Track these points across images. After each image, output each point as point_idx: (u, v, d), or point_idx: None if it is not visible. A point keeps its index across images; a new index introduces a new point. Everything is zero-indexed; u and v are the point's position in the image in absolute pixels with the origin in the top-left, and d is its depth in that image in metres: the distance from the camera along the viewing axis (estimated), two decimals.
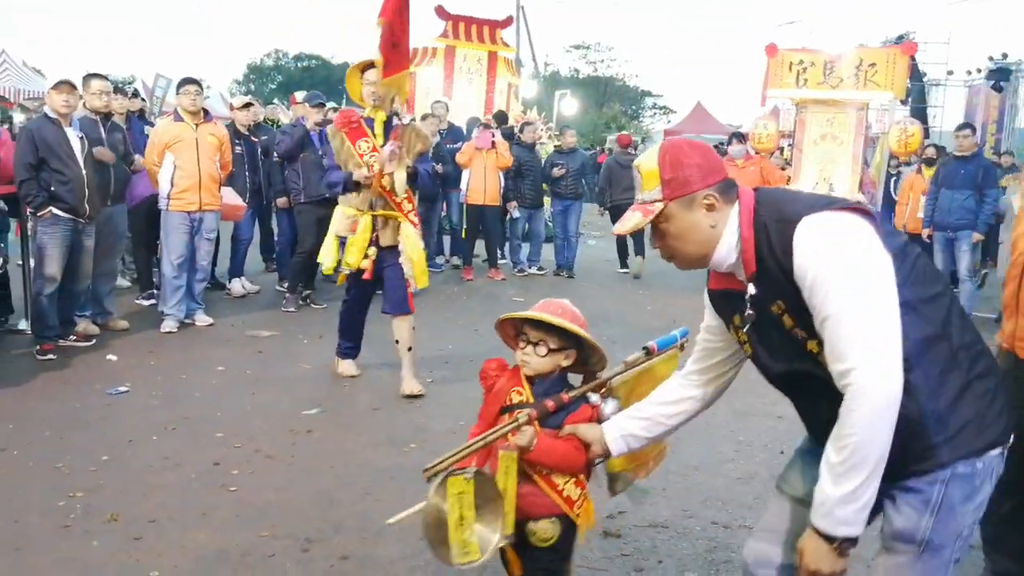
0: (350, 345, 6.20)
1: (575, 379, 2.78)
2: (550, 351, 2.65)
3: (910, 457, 2.00)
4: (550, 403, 2.58)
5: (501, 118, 13.20)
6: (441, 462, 2.42)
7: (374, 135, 5.67)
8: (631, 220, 2.18)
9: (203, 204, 7.43)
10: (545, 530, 2.63)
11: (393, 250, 5.72)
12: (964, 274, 9.22)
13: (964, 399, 2.01)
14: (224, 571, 3.43)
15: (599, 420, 2.64)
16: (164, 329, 7.26)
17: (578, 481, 2.66)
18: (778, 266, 2.03)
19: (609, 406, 2.67)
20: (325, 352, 6.76)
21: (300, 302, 8.50)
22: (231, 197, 8.08)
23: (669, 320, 8.95)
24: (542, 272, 11.55)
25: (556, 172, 11.32)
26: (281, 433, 5.02)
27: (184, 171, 7.29)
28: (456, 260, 11.76)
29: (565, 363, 2.70)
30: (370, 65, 5.60)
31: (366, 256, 5.67)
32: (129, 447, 4.72)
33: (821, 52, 10.12)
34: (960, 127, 10.08)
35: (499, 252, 11.55)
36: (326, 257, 5.90)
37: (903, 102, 19.67)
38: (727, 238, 2.13)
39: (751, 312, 2.16)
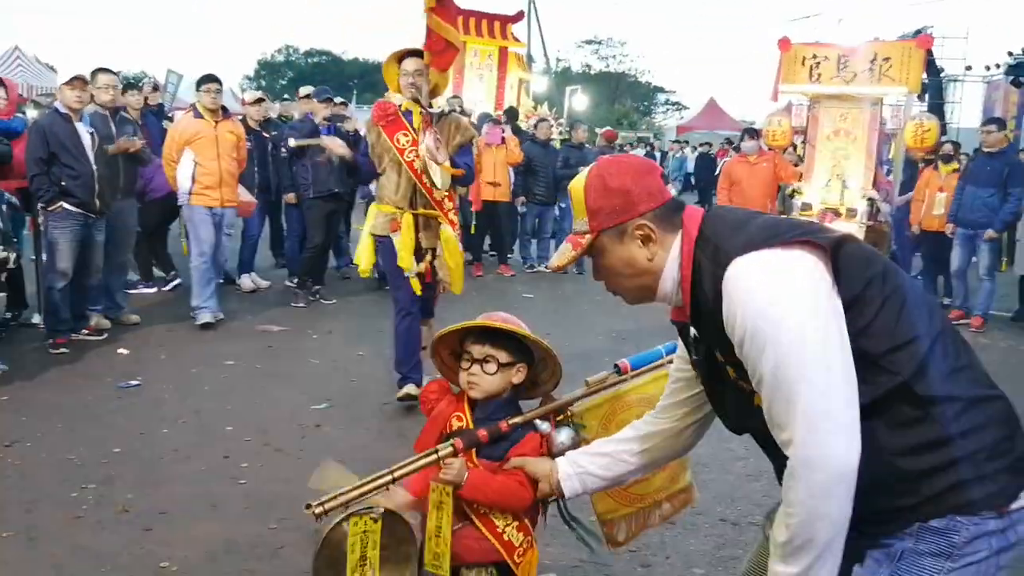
0: (414, 365, 5.46)
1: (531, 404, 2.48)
2: (500, 367, 2.33)
3: (879, 516, 1.72)
4: (483, 432, 2.26)
5: (512, 114, 13.20)
6: (334, 497, 2.12)
7: (413, 129, 5.16)
8: (564, 254, 1.97)
9: (224, 200, 7.46)
10: None
11: (431, 253, 5.27)
12: (984, 273, 9.07)
13: (939, 458, 1.67)
14: (233, 562, 3.46)
15: (550, 452, 2.30)
16: (200, 321, 7.24)
17: (522, 525, 2.33)
18: (711, 313, 1.76)
19: (562, 435, 2.31)
20: (334, 347, 6.79)
21: (310, 297, 8.53)
22: (242, 193, 8.11)
23: None
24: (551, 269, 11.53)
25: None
26: (290, 427, 5.05)
27: (205, 168, 7.29)
28: (467, 256, 11.77)
29: (516, 380, 2.39)
30: (408, 54, 5.17)
31: (421, 259, 5.23)
32: (140, 439, 4.76)
33: (835, 46, 9.96)
34: (986, 122, 10.05)
35: (510, 249, 11.57)
36: (363, 258, 5.50)
37: (920, 97, 19.58)
38: (669, 271, 1.86)
39: (696, 357, 1.95)
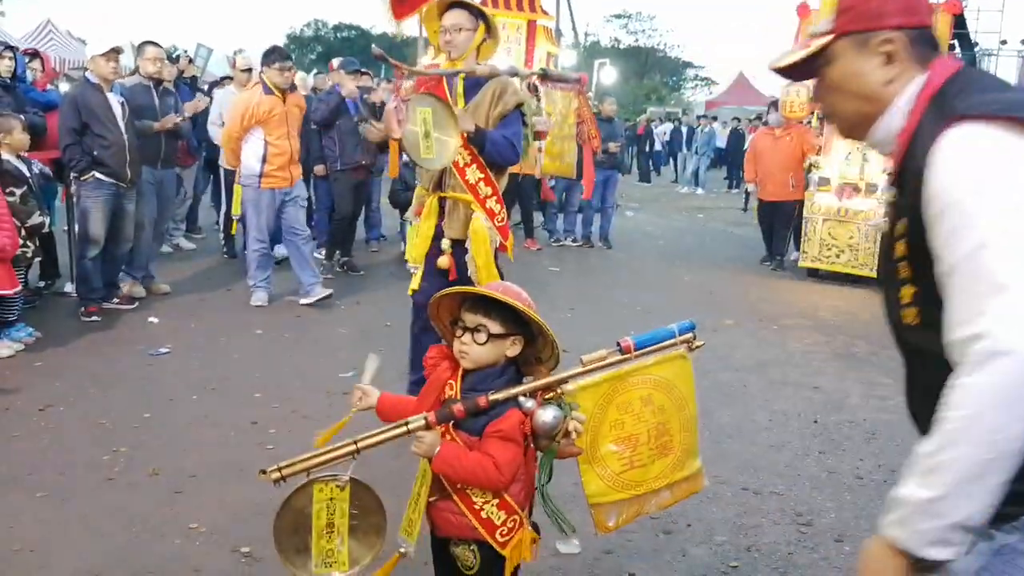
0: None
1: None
2: (491, 337, 2.21)
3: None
4: (459, 407, 2.16)
5: (533, 91, 13.14)
6: (294, 463, 2.09)
7: (453, 97, 4.37)
8: (792, 53, 1.71)
9: (293, 179, 7.20)
10: (464, 556, 2.27)
11: (460, 245, 4.43)
12: None
13: None
14: (260, 524, 3.50)
15: (533, 430, 2.18)
16: (255, 303, 7.12)
17: (503, 503, 2.21)
18: (916, 176, 1.49)
19: (546, 414, 2.15)
20: (362, 317, 6.85)
21: (338, 268, 8.59)
22: None
23: (706, 293, 8.94)
24: (576, 243, 11.54)
25: (612, 147, 11.09)
26: (317, 394, 5.10)
27: (277, 148, 6.96)
28: None
29: (511, 352, 2.25)
30: (450, 5, 4.38)
31: (442, 252, 4.46)
32: (170, 405, 4.84)
33: None
34: None
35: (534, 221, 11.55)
36: (409, 250, 4.79)
37: None
38: (897, 109, 1.60)
39: (883, 219, 1.68)
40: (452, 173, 4.33)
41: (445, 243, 4.42)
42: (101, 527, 3.42)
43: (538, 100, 5.65)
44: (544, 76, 5.18)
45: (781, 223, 10.43)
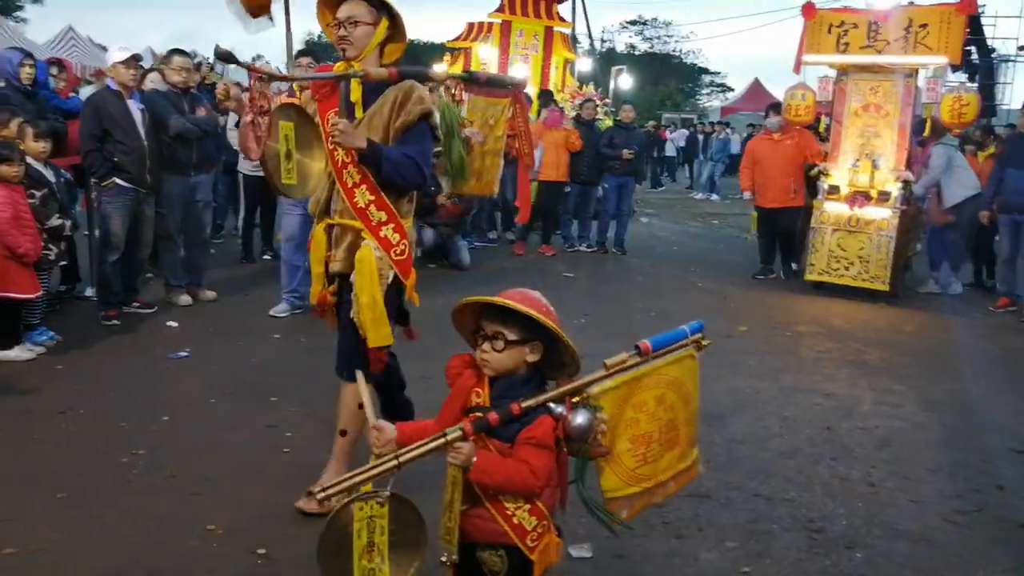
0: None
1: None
2: (508, 344, 2.27)
3: None
4: (494, 416, 2.20)
5: (547, 97, 13.24)
6: (337, 483, 2.14)
7: (348, 106, 3.56)
8: None
9: None
10: (491, 562, 2.32)
11: (342, 282, 3.71)
12: None
13: None
14: (277, 526, 3.57)
15: (566, 435, 2.22)
16: (277, 313, 7.08)
17: (534, 508, 2.27)
18: None
19: (579, 417, 2.20)
20: None
21: None
22: None
23: (719, 299, 8.96)
24: (591, 250, 11.56)
25: (626, 154, 11.02)
26: (333, 398, 5.14)
27: None
28: (510, 235, 11.82)
29: (531, 358, 2.31)
30: None
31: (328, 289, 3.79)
32: (188, 408, 4.90)
33: (865, 11, 9.05)
34: None
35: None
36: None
37: (971, 78, 19.11)
38: None
39: None
40: (340, 196, 3.61)
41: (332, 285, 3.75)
42: (119, 528, 3.48)
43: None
44: (470, 80, 4.35)
45: (784, 231, 10.10)
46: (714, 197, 22.01)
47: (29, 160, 5.85)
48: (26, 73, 6.91)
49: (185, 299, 7.15)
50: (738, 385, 5.85)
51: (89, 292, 7.14)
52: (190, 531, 3.50)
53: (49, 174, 6.10)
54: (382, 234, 3.56)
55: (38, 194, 5.84)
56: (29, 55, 7.19)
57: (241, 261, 9.08)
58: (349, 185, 3.54)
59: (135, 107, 6.56)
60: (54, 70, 8.49)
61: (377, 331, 3.60)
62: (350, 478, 2.15)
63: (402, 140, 3.54)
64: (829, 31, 9.01)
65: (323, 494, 2.13)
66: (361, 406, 2.87)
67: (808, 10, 9.19)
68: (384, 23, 3.56)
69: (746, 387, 5.84)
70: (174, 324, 6.64)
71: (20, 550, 3.28)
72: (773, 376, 6.17)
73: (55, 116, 6.95)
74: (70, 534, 3.43)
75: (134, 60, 6.54)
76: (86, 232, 7.31)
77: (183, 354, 5.88)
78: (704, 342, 2.46)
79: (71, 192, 6.94)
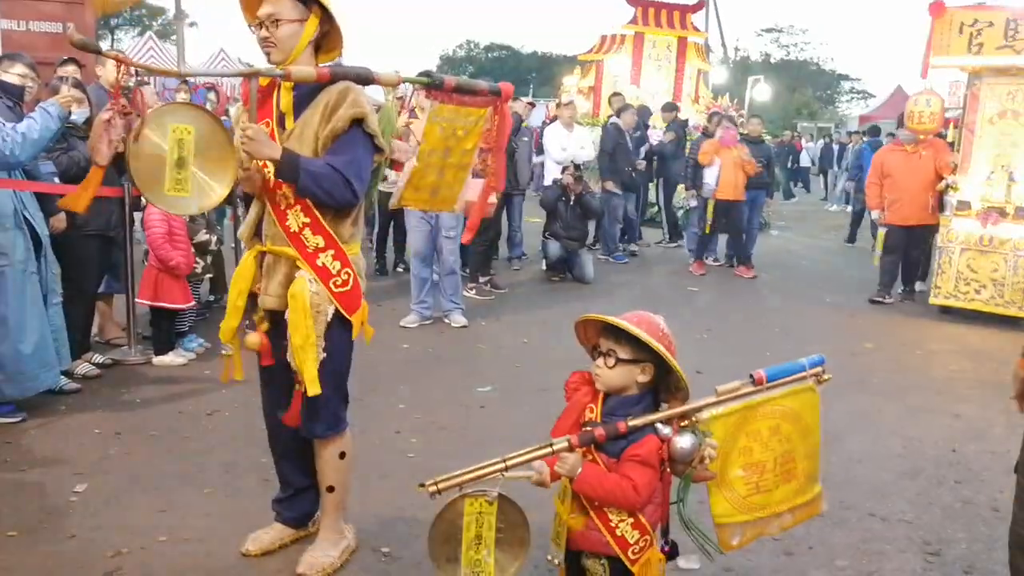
0: (281, 499, 3.69)
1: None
2: (619, 362, 2.37)
3: None
4: (600, 431, 2.32)
5: (670, 109, 13.17)
6: (449, 478, 2.28)
7: (278, 111, 3.11)
8: None
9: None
10: (594, 570, 2.45)
11: (281, 317, 3.20)
12: None
13: None
14: (400, 526, 3.80)
15: (670, 456, 2.32)
16: (407, 324, 7.38)
17: (637, 523, 2.37)
18: None
19: (684, 440, 2.29)
20: (501, 334, 7.12)
21: (484, 287, 8.90)
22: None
23: (847, 315, 8.77)
24: (717, 263, 11.48)
25: (749, 169, 10.53)
26: (456, 407, 5.39)
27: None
28: (634, 247, 11.88)
29: (642, 379, 2.39)
30: None
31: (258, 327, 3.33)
32: None
33: (1002, 8, 8.26)
34: None
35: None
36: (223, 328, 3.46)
37: None
38: None
39: None
40: (271, 218, 3.13)
41: (257, 315, 3.30)
42: (259, 522, 3.75)
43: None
44: (431, 85, 3.11)
45: (915, 250, 9.49)
46: (848, 209, 21.33)
47: None
48: (181, 98, 7.48)
49: None
50: (860, 403, 5.76)
51: None
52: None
53: None
54: (319, 262, 3.10)
55: None
56: (184, 82, 7.77)
57: (376, 274, 9.48)
58: (282, 206, 3.07)
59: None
60: (212, 95, 9.13)
61: (315, 384, 3.18)
62: (460, 475, 2.29)
63: (331, 150, 3.02)
64: (960, 31, 8.36)
65: (435, 487, 2.27)
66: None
67: (936, 8, 8.50)
68: (314, 20, 3.03)
69: (868, 406, 5.74)
70: None
71: (170, 538, 3.61)
72: (899, 395, 6.04)
73: None
74: (216, 526, 3.74)
75: None
76: (232, 245, 7.81)
77: None
78: (825, 376, 2.51)
79: (219, 208, 7.43)
